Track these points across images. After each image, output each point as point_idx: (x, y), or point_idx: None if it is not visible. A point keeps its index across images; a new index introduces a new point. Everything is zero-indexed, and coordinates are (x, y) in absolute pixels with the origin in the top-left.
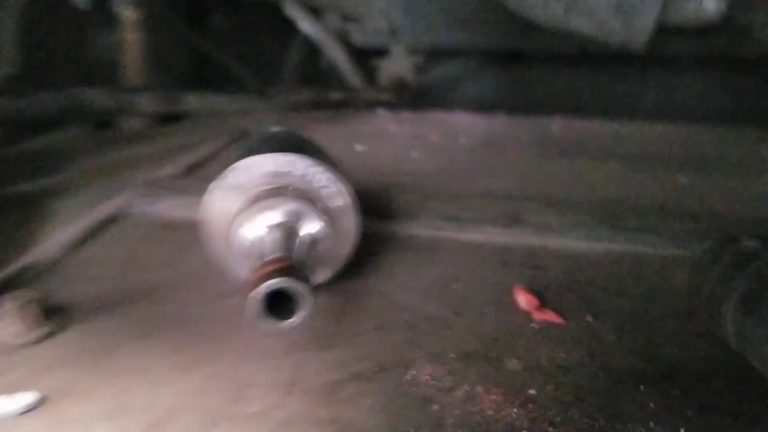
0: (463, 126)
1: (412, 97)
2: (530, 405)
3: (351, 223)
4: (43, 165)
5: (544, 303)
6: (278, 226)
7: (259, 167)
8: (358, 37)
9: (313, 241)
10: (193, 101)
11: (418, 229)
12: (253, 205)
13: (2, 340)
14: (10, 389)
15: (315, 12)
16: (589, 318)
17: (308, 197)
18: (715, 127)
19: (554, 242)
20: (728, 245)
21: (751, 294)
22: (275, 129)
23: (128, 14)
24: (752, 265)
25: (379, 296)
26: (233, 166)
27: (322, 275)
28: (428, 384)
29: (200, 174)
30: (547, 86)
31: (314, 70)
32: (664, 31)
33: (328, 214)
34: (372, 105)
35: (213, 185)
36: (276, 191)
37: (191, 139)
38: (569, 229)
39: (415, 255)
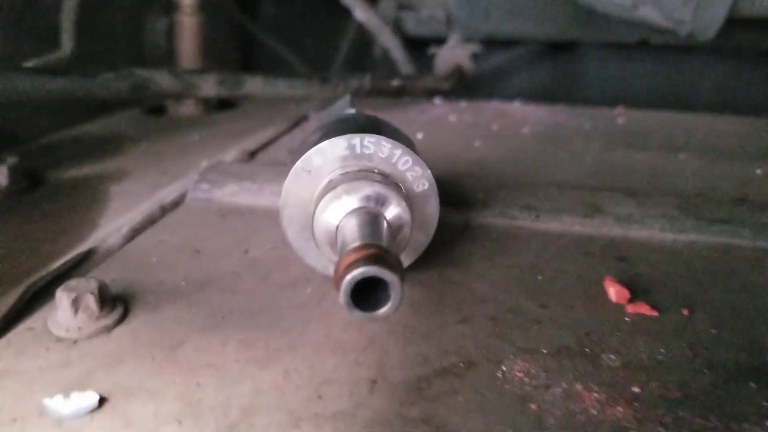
0: (524, 116)
1: (467, 86)
2: (636, 404)
3: (432, 209)
4: (100, 149)
5: (634, 295)
6: (364, 210)
7: (342, 148)
8: (412, 26)
9: (398, 227)
10: (255, 85)
11: (493, 218)
12: (338, 187)
13: (58, 334)
14: (67, 389)
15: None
16: (684, 311)
17: (393, 180)
18: None
19: (637, 233)
20: None
21: None
22: (351, 110)
23: None
24: None
25: (457, 287)
26: (316, 147)
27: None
28: (522, 381)
29: (263, 159)
30: (603, 76)
31: (365, 58)
32: (731, 22)
33: (410, 198)
34: (429, 94)
35: (295, 167)
36: (361, 174)
37: (248, 125)
38: (653, 219)
39: (491, 245)
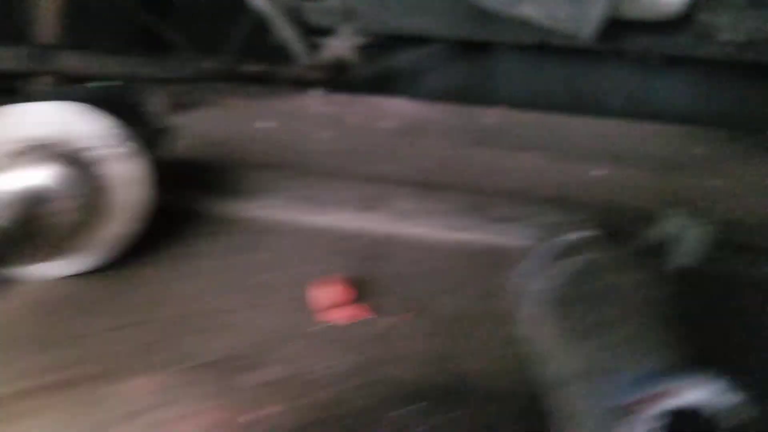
0: (393, 111)
1: (369, 84)
2: (255, 428)
3: (136, 196)
4: None
5: (362, 297)
6: (14, 189)
7: (12, 116)
8: (312, 16)
9: (61, 212)
10: (70, 60)
11: (257, 210)
12: None
13: None
14: None
15: None
16: (403, 317)
17: (72, 158)
18: (667, 125)
19: (409, 230)
20: (550, 237)
21: (549, 293)
22: (95, 83)
23: None
24: (562, 261)
25: (150, 288)
26: None
27: (84, 258)
28: (129, 401)
29: None
30: (517, 79)
31: (264, 48)
32: (623, 24)
33: (99, 181)
34: (305, 84)
35: None
36: (26, 148)
37: None
38: (428, 216)
39: (238, 239)
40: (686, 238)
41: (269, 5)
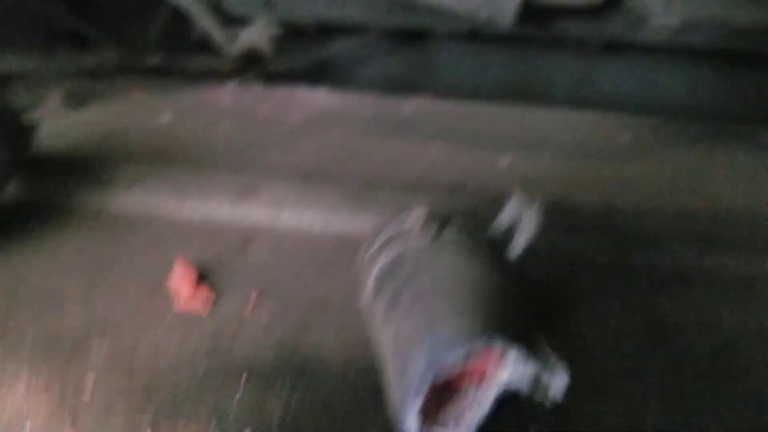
0: (310, 103)
1: (299, 75)
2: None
3: None
4: None
5: (216, 286)
6: None
7: None
8: (233, 6)
9: None
10: None
11: (127, 203)
12: None
13: None
14: None
15: None
16: (253, 303)
17: None
18: (595, 112)
19: (280, 221)
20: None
21: (377, 276)
22: None
23: None
24: (393, 245)
25: (12, 272)
26: None
27: None
28: None
29: None
30: (459, 69)
31: (185, 39)
32: (553, 11)
33: None
34: (218, 76)
35: None
36: None
37: None
38: (304, 207)
39: (105, 232)
40: (523, 222)
41: None
